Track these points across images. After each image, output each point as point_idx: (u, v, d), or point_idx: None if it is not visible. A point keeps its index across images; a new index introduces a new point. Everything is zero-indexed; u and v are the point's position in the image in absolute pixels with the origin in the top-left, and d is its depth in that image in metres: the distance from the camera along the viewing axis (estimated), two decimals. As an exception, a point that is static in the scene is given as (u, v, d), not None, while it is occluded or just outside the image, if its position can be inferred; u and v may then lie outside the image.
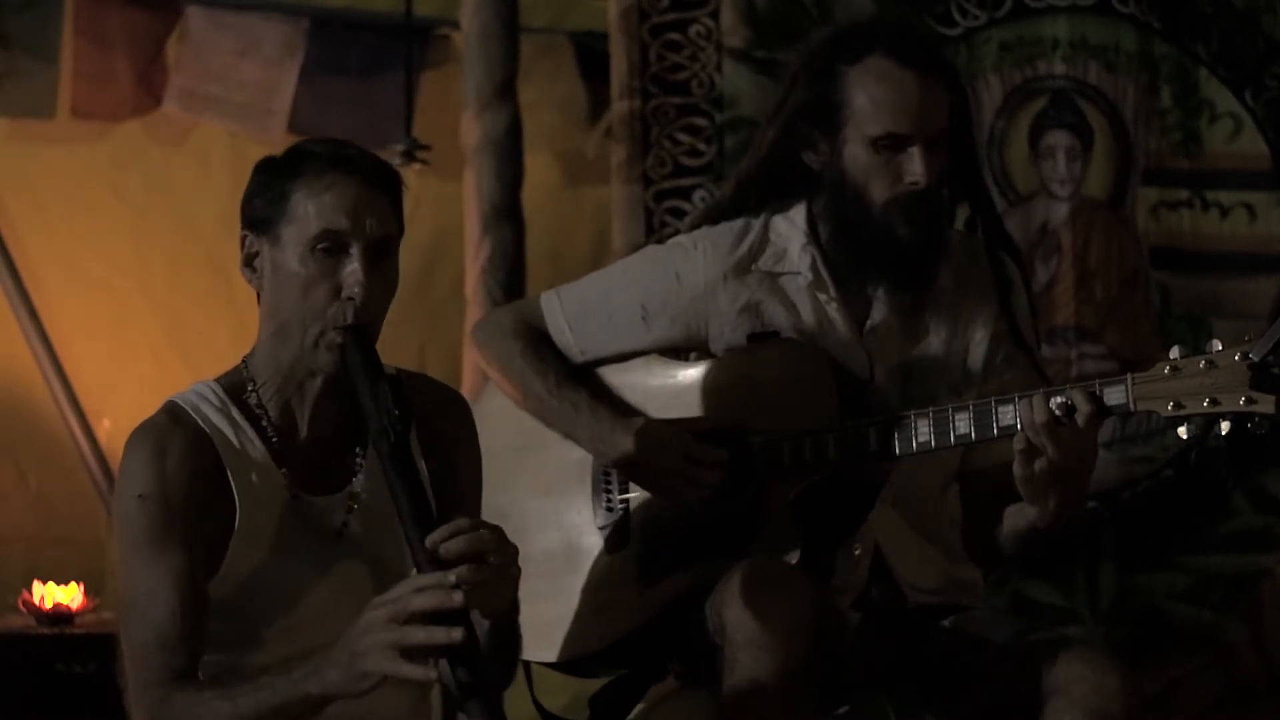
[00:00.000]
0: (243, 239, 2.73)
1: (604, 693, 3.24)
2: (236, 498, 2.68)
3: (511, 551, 2.55)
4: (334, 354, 2.66)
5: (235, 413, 2.72)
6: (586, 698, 3.26)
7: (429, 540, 2.49)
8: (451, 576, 2.45)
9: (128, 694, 2.65)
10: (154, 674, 2.61)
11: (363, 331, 2.65)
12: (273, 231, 2.68)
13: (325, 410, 2.74)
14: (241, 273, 2.74)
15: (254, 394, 2.73)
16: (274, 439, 2.72)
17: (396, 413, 2.58)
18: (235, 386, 2.74)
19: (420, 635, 2.44)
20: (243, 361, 2.77)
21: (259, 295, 2.75)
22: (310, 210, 2.65)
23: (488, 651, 2.57)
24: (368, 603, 2.56)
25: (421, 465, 2.73)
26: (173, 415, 2.70)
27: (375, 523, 2.73)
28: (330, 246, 2.65)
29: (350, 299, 2.64)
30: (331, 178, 2.66)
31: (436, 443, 2.81)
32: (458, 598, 2.44)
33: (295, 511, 2.71)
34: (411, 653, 2.44)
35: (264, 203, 2.69)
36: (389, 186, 2.71)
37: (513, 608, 2.68)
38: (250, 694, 2.54)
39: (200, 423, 2.69)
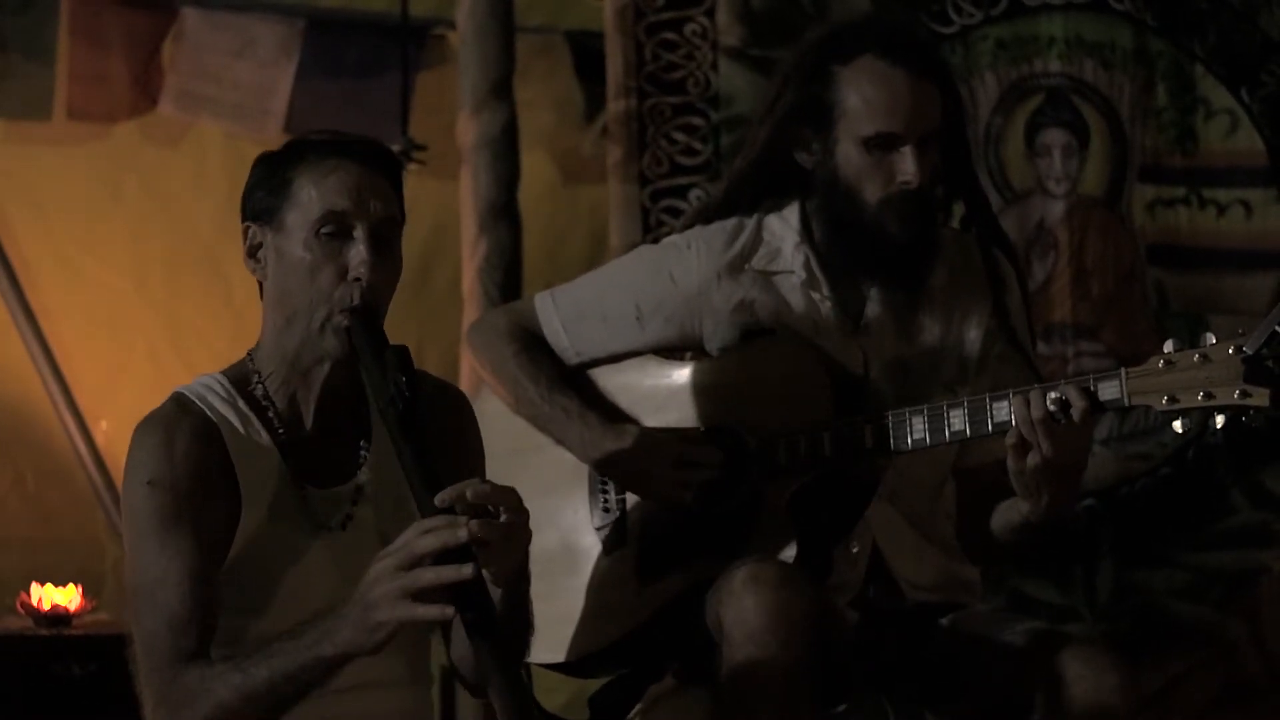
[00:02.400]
0: (245, 230, 2.73)
1: (603, 693, 3.24)
2: (242, 488, 2.67)
3: (523, 511, 2.54)
4: (341, 337, 2.65)
5: (241, 404, 2.71)
6: (585, 697, 3.26)
7: (439, 498, 2.48)
8: (458, 518, 2.44)
9: (138, 681, 2.64)
10: (164, 656, 2.59)
11: (370, 312, 2.65)
12: (276, 219, 2.68)
13: (331, 402, 2.73)
14: (245, 264, 2.73)
15: (260, 385, 2.73)
16: (280, 430, 2.72)
17: (404, 379, 2.57)
18: (241, 378, 2.74)
19: (430, 575, 2.43)
20: (248, 355, 2.76)
21: (261, 287, 2.74)
22: (313, 194, 2.65)
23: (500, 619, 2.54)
24: None
25: None
26: (180, 404, 2.70)
27: (379, 516, 2.73)
28: (335, 229, 2.65)
29: (357, 280, 2.64)
30: (334, 162, 2.66)
31: (438, 436, 2.76)
32: (463, 533, 2.43)
33: (300, 503, 2.70)
34: (423, 595, 2.43)
35: (266, 193, 2.69)
36: (390, 170, 2.72)
37: (522, 576, 2.66)
38: (262, 662, 2.52)
39: (207, 412, 2.69)
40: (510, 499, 2.53)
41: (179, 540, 2.61)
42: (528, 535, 2.58)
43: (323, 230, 2.65)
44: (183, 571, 2.60)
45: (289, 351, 2.71)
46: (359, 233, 2.65)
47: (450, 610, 2.43)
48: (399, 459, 2.56)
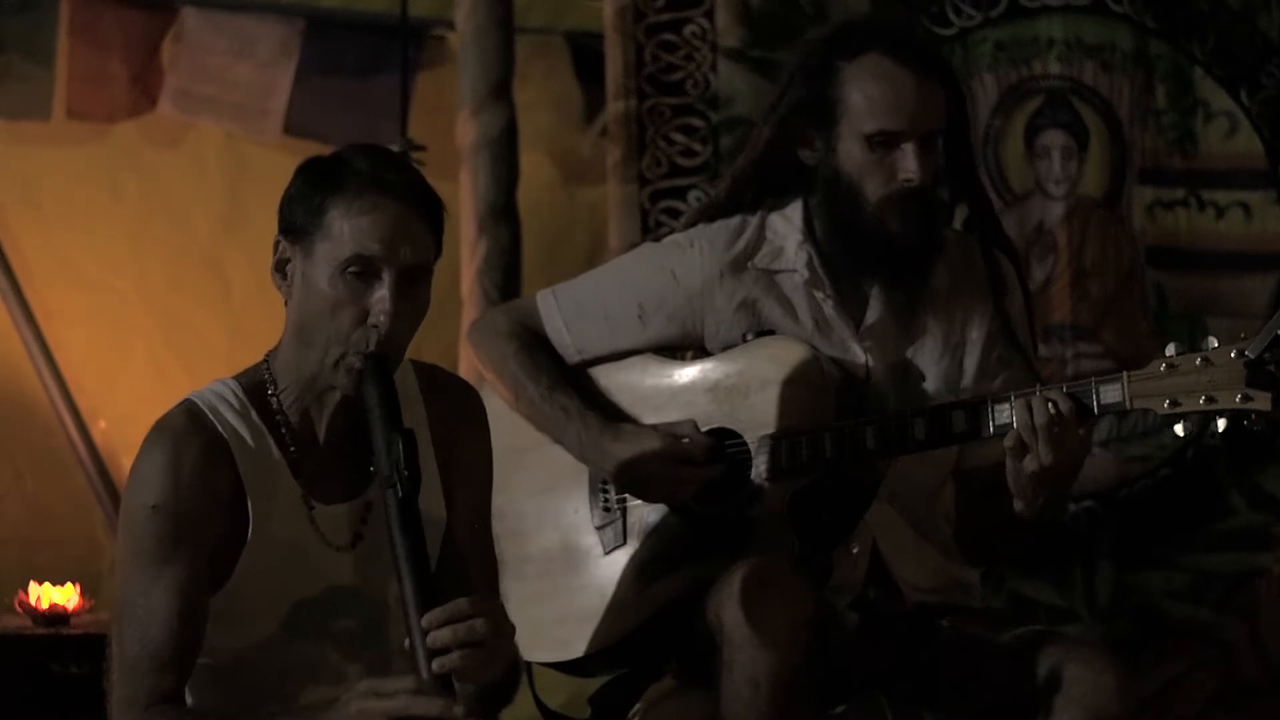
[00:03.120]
0: (276, 243, 2.67)
1: (603, 692, 3.24)
2: (250, 507, 2.64)
3: (508, 632, 2.53)
4: (352, 378, 2.61)
5: (254, 415, 2.67)
6: (584, 696, 3.26)
7: (425, 620, 2.45)
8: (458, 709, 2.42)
9: (109, 698, 2.63)
10: (140, 693, 2.58)
11: (383, 360, 2.61)
12: (306, 243, 2.62)
13: (342, 419, 2.70)
14: (271, 277, 2.68)
15: (275, 398, 2.69)
16: (291, 448, 2.68)
17: (407, 472, 2.53)
18: (256, 386, 2.70)
19: None
20: (264, 359, 2.72)
21: (286, 301, 2.69)
22: (345, 230, 2.59)
23: (475, 696, 2.54)
24: (377, 611, 2.61)
25: (433, 468, 2.71)
26: (191, 417, 2.65)
27: (387, 531, 2.71)
28: (361, 271, 2.59)
29: (375, 326, 2.60)
30: (372, 199, 2.59)
31: (448, 432, 2.77)
32: None
33: (309, 520, 2.67)
34: None
35: (301, 210, 2.63)
36: (430, 212, 2.64)
37: (510, 670, 2.65)
38: None
39: (219, 427, 2.65)
40: (496, 620, 2.50)
41: (176, 571, 2.58)
42: (511, 651, 2.56)
43: (349, 270, 2.59)
44: (173, 608, 2.58)
45: (305, 373, 2.67)
46: (386, 276, 2.59)
47: None
48: (389, 544, 2.53)
